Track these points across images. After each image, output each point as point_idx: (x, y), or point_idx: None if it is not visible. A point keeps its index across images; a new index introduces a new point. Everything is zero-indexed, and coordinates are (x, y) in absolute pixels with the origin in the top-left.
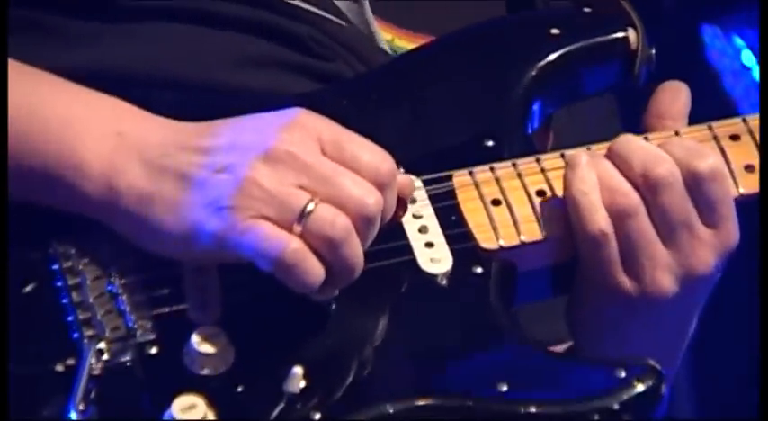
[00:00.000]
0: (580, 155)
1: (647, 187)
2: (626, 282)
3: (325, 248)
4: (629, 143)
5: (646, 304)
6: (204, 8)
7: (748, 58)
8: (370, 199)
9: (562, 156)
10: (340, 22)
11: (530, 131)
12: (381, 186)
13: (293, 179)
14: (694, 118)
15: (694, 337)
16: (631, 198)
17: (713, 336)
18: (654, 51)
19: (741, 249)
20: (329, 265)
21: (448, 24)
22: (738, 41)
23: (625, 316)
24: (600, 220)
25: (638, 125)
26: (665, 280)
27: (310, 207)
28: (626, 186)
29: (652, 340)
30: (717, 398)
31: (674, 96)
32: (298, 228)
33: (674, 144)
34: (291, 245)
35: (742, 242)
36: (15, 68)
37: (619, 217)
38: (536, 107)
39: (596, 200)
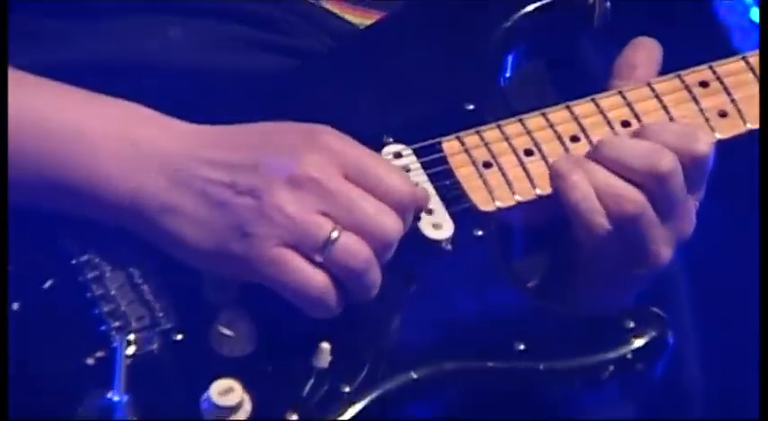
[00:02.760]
0: (563, 163)
1: (653, 182)
2: (629, 262)
3: (347, 277)
4: (620, 144)
5: (645, 271)
6: None
7: (756, 15)
8: (392, 226)
9: (542, 114)
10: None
11: (503, 84)
12: (402, 210)
13: (316, 206)
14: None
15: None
16: (638, 202)
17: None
18: (609, 4)
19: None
20: (348, 291)
21: None
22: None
23: (620, 275)
24: (604, 223)
25: (570, 89)
26: (665, 252)
27: (334, 235)
28: (631, 191)
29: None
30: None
31: (648, 50)
32: (320, 258)
33: (664, 132)
34: (315, 281)
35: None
36: (14, 76)
37: (628, 220)
38: (508, 60)
39: (595, 203)
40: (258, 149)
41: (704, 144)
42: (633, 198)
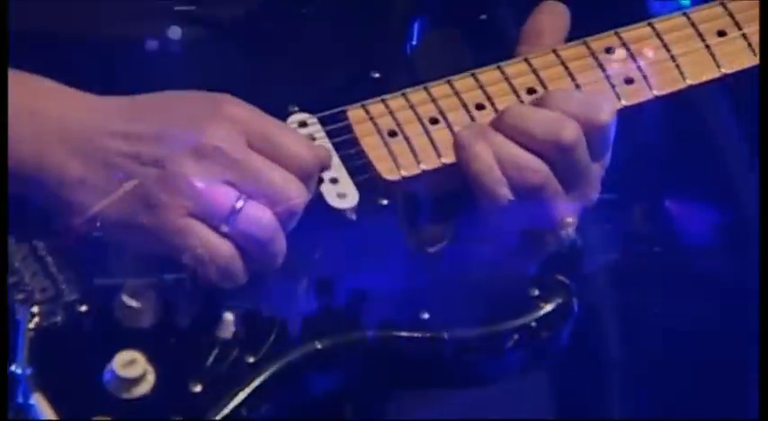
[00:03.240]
0: (466, 133)
1: (556, 152)
2: (533, 230)
3: (252, 246)
4: (523, 113)
5: (550, 240)
6: None
7: None
8: (296, 193)
9: (448, 82)
10: None
11: (408, 52)
12: (306, 177)
13: (221, 175)
14: None
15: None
16: (541, 172)
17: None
18: None
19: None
20: (253, 260)
21: None
22: None
23: (524, 244)
24: (507, 194)
25: (485, 57)
26: (569, 218)
27: (239, 205)
28: (534, 161)
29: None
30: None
31: (554, 15)
32: (225, 228)
33: (567, 101)
34: (221, 251)
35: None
36: None
37: (530, 190)
38: (415, 27)
39: (497, 174)
40: (162, 120)
41: (606, 114)
42: (536, 168)
